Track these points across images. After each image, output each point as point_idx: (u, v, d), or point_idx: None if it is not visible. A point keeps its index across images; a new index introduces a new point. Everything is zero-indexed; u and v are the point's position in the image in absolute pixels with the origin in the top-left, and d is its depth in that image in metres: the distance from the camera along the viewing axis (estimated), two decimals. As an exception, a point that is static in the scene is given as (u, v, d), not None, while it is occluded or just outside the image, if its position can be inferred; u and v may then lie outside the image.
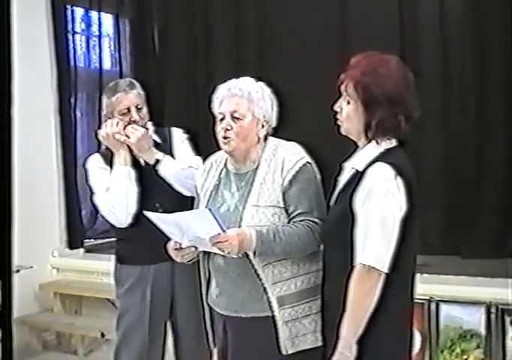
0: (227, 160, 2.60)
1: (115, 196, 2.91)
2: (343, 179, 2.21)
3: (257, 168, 2.48)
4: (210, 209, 2.26)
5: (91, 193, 3.04)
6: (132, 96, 2.97)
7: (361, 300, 2.03)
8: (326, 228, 2.30)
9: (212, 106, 2.53)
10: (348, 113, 2.15)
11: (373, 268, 2.00)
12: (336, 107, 2.20)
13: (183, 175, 2.93)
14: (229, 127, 2.45)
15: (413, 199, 2.06)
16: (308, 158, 2.48)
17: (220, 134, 2.49)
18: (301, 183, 2.41)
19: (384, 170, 2.04)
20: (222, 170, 2.59)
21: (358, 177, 2.09)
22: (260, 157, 2.49)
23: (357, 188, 2.07)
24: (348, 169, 2.20)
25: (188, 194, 2.91)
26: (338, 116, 2.20)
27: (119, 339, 3.09)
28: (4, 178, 1.14)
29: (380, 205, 2.02)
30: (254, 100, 2.46)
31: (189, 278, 2.94)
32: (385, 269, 2.01)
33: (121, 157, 2.95)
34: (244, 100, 2.45)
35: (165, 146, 3.05)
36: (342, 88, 2.17)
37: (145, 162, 2.98)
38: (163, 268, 2.99)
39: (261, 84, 2.52)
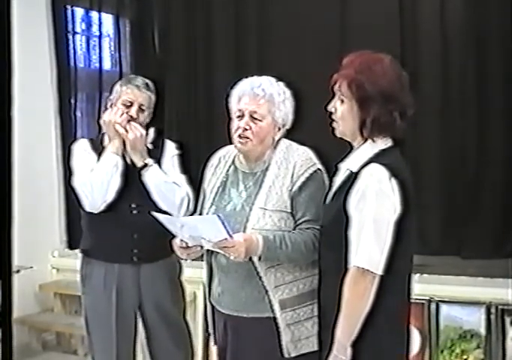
0: (235, 156, 2.59)
1: (97, 178, 2.89)
2: (338, 180, 2.20)
3: (266, 169, 2.47)
4: (219, 215, 2.25)
5: (70, 174, 3.02)
6: (142, 95, 2.98)
7: (355, 302, 2.02)
8: (321, 230, 2.29)
9: (229, 101, 2.51)
10: (343, 112, 2.15)
11: (367, 270, 2.00)
12: (330, 107, 2.19)
13: (164, 188, 2.93)
14: (247, 127, 2.44)
15: (408, 201, 2.04)
16: (319, 165, 2.47)
17: (237, 132, 2.47)
18: (310, 190, 2.40)
19: (378, 171, 2.03)
20: (230, 167, 2.58)
21: (352, 178, 2.08)
22: (271, 158, 2.48)
23: (351, 190, 2.06)
24: (343, 170, 2.19)
25: (164, 208, 2.89)
26: (333, 117, 2.20)
27: (90, 339, 3.09)
28: (4, 179, 1.14)
29: (374, 207, 2.01)
30: (276, 103, 2.44)
31: (156, 280, 2.98)
32: (379, 271, 2.00)
33: (115, 146, 2.95)
34: (266, 101, 2.43)
35: (155, 155, 3.04)
36: (336, 87, 2.16)
37: (132, 162, 2.98)
38: (127, 269, 2.99)
39: (282, 85, 2.51)
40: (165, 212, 2.81)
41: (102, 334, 3.03)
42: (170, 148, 3.12)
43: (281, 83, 2.51)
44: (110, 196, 2.90)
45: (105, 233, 2.99)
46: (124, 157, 2.98)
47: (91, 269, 3.06)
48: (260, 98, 2.43)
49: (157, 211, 2.73)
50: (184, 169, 3.10)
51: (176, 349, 3.11)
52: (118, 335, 3.01)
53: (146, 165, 2.94)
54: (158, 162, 3.03)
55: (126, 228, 2.95)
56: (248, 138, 2.44)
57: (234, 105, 2.49)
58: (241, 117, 2.46)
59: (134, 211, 2.94)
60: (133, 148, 2.94)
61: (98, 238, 3.03)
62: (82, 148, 3.06)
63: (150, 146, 3.07)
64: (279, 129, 2.49)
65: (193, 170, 3.27)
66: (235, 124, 2.48)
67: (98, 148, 3.01)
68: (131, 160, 2.98)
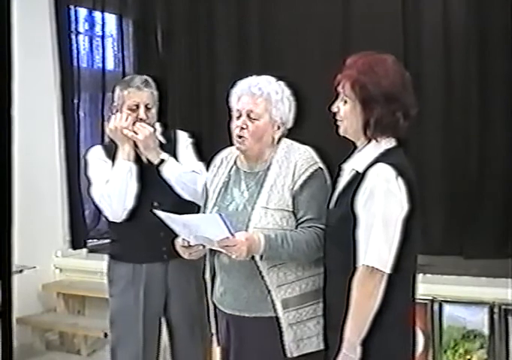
0: (237, 156, 2.59)
1: (114, 189, 2.89)
2: (343, 181, 2.20)
3: (268, 168, 2.47)
4: (221, 214, 2.26)
5: (89, 184, 3.03)
6: (144, 94, 2.96)
7: (364, 301, 2.04)
8: (327, 230, 2.30)
9: (230, 101, 2.52)
10: (346, 113, 2.16)
11: (376, 269, 2.01)
12: (334, 108, 2.20)
13: (185, 179, 2.92)
14: (244, 126, 2.44)
15: (414, 200, 2.06)
16: (320, 164, 2.46)
17: (235, 132, 2.48)
18: (312, 188, 2.40)
19: (385, 171, 2.05)
20: (232, 167, 2.58)
21: (359, 178, 2.09)
22: (272, 157, 2.48)
23: (358, 189, 2.07)
24: (348, 170, 2.19)
25: (188, 198, 2.90)
26: (337, 117, 2.20)
27: (114, 339, 3.10)
28: (5, 179, 1.14)
29: (382, 206, 2.02)
30: (273, 102, 2.44)
31: (183, 277, 2.97)
32: (388, 270, 2.02)
33: (125, 152, 2.94)
34: (262, 100, 2.43)
35: (169, 148, 3.04)
36: (339, 88, 2.17)
37: (148, 160, 2.98)
38: (156, 267, 3.00)
39: (281, 84, 2.50)
40: (189, 202, 2.83)
41: (128, 334, 3.04)
42: (183, 138, 3.12)
43: (280, 82, 2.51)
44: (130, 204, 2.90)
45: (132, 236, 2.99)
46: (139, 158, 2.98)
47: (119, 271, 3.06)
48: (257, 97, 2.43)
49: (180, 204, 2.79)
50: (200, 157, 3.09)
51: (195, 347, 3.11)
52: (145, 335, 3.02)
53: (162, 161, 2.94)
54: (174, 153, 3.02)
55: (152, 227, 2.93)
56: (244, 137, 2.45)
57: (234, 105, 2.50)
58: (239, 117, 2.47)
59: (158, 209, 2.91)
60: (146, 147, 2.94)
61: (126, 242, 3.03)
62: (95, 156, 3.04)
63: (163, 140, 3.06)
64: (278, 127, 2.49)
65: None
66: (233, 123, 2.49)
67: (111, 154, 2.99)
68: (147, 159, 2.98)
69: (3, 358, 1.16)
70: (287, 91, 2.51)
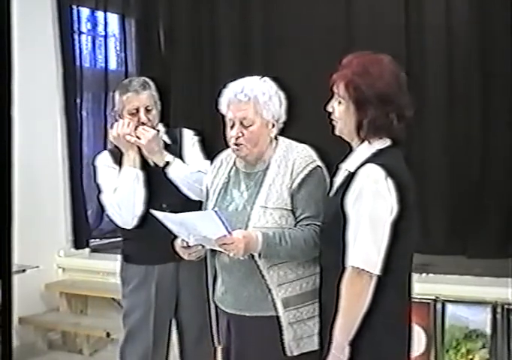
0: (236, 157, 2.59)
1: (122, 197, 2.90)
2: (338, 180, 2.20)
3: (267, 168, 2.47)
4: (216, 211, 2.26)
5: (99, 191, 3.03)
6: (143, 97, 2.95)
7: (353, 302, 2.03)
8: (322, 229, 2.30)
9: (220, 109, 2.52)
10: (340, 113, 2.15)
11: (363, 270, 2.00)
12: (329, 108, 2.20)
13: (191, 179, 2.92)
14: (240, 134, 2.44)
15: (405, 200, 2.04)
16: (318, 162, 2.46)
17: (231, 141, 2.48)
18: (310, 186, 2.40)
19: (374, 172, 2.03)
20: (232, 168, 2.59)
21: (349, 178, 2.08)
22: (271, 157, 2.48)
23: (348, 189, 2.06)
24: (343, 170, 2.19)
25: (196, 198, 2.89)
26: (332, 117, 2.20)
27: (124, 337, 3.10)
28: (5, 179, 1.14)
29: (370, 207, 2.01)
30: (262, 104, 2.43)
31: (194, 277, 2.96)
32: (376, 271, 2.00)
33: (131, 159, 2.94)
34: (251, 105, 2.42)
35: (175, 148, 3.04)
36: (334, 88, 2.16)
37: (154, 163, 2.98)
38: (168, 267, 3.00)
39: (267, 81, 2.49)
40: (198, 202, 2.81)
41: (138, 334, 3.05)
42: (189, 136, 3.11)
43: (265, 79, 2.49)
44: (139, 210, 2.91)
45: (144, 238, 2.98)
46: (145, 160, 2.98)
47: (132, 272, 3.07)
48: (245, 103, 2.42)
49: (189, 204, 2.77)
50: (207, 155, 3.07)
51: (203, 347, 3.10)
52: (155, 335, 3.02)
53: (168, 163, 2.94)
54: (180, 152, 3.02)
55: (163, 229, 2.93)
56: (241, 144, 2.45)
57: (224, 113, 2.50)
58: (233, 126, 2.47)
59: (167, 211, 2.91)
60: (150, 151, 2.93)
61: (138, 244, 3.03)
62: (103, 163, 3.04)
63: (168, 140, 3.06)
64: (273, 125, 2.49)
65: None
66: (228, 132, 2.49)
67: (118, 160, 2.99)
68: (154, 162, 2.98)
69: (3, 357, 1.17)
70: (274, 87, 2.49)
